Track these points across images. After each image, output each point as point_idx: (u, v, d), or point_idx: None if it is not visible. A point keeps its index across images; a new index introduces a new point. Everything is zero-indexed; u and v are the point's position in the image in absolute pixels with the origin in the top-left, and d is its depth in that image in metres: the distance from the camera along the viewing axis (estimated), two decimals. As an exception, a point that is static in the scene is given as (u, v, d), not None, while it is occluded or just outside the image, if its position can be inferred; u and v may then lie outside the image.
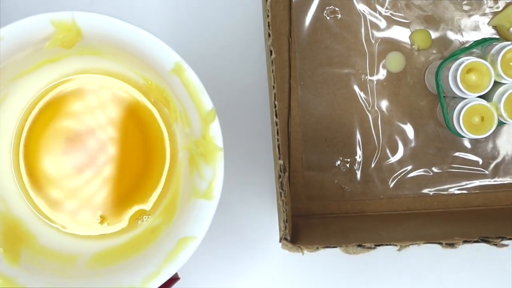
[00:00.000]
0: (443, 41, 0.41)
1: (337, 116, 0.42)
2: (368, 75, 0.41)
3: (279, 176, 0.34)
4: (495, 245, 0.34)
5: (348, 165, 0.42)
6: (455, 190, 0.42)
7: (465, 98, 0.37)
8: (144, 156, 0.37)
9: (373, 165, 0.42)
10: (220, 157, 0.32)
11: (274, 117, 0.34)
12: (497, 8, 0.41)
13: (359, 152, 0.42)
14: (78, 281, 0.34)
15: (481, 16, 0.41)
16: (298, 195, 0.42)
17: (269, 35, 0.34)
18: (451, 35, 0.41)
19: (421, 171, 0.42)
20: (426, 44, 0.41)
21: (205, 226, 0.32)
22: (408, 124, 0.42)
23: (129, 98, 0.37)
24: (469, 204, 0.42)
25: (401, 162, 0.42)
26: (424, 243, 0.34)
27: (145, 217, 0.37)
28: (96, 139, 0.37)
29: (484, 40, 0.39)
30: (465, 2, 0.41)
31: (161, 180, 0.37)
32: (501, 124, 0.38)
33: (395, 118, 0.42)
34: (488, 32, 0.41)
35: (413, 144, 0.42)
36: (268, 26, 0.33)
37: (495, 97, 0.37)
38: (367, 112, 0.42)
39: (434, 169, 0.42)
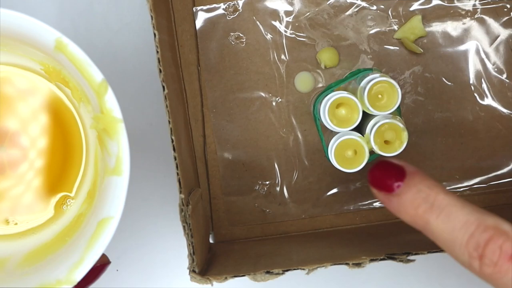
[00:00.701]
0: (351, 58, 0.41)
1: (253, 140, 0.42)
2: (279, 97, 0.42)
3: (181, 210, 0.34)
4: (401, 261, 0.35)
5: (266, 187, 0.42)
6: (376, 203, 0.42)
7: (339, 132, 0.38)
8: (61, 142, 0.37)
9: (291, 185, 0.42)
10: (121, 129, 0.31)
11: (173, 152, 0.34)
12: (400, 22, 0.41)
13: (277, 174, 0.42)
14: (4, 283, 0.33)
15: (386, 30, 0.41)
16: (221, 221, 0.42)
17: (160, 71, 0.34)
18: (357, 51, 0.41)
19: (340, 188, 0.42)
20: (334, 62, 0.41)
21: (120, 204, 0.31)
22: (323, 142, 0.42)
23: (31, 86, 0.36)
24: (390, 217, 0.42)
25: (320, 181, 0.42)
26: (331, 265, 0.34)
27: (69, 201, 0.37)
28: (5, 135, 0.36)
29: (358, 72, 0.40)
30: (369, 17, 0.41)
31: (82, 164, 0.37)
32: (376, 156, 0.38)
33: (310, 137, 0.42)
34: (394, 45, 0.41)
35: (330, 162, 0.42)
36: (159, 62, 0.34)
37: (367, 129, 0.37)
38: (282, 134, 0.42)
39: (353, 185, 0.42)
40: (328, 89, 0.39)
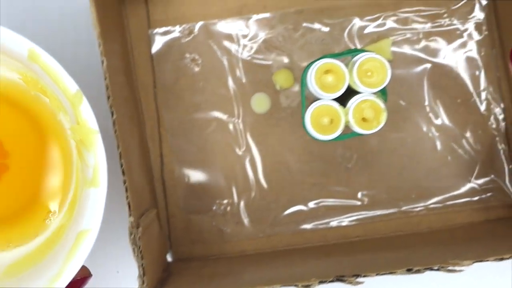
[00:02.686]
0: (307, 79, 0.42)
1: (210, 160, 0.42)
2: (236, 118, 0.42)
3: (131, 233, 0.35)
4: (350, 283, 0.35)
5: (223, 207, 0.42)
6: (333, 223, 0.43)
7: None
8: (40, 154, 0.37)
9: (249, 205, 0.42)
10: (97, 140, 0.31)
11: (122, 175, 0.34)
12: (354, 44, 0.42)
13: (234, 194, 0.42)
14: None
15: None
16: (180, 239, 0.43)
17: (108, 97, 0.34)
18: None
19: (298, 207, 0.43)
20: (289, 84, 0.42)
21: (98, 216, 0.31)
22: (281, 162, 0.42)
23: (9, 96, 0.36)
24: (348, 236, 0.43)
25: (277, 200, 0.42)
26: (280, 286, 0.35)
27: (51, 215, 0.37)
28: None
29: (356, 50, 0.40)
30: (323, 39, 0.42)
31: (58, 175, 0.37)
32: (354, 134, 0.37)
33: (267, 157, 0.42)
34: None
35: (287, 181, 0.42)
36: (107, 88, 0.34)
37: (349, 103, 0.36)
38: (239, 154, 0.42)
39: (310, 204, 0.42)
40: (322, 58, 0.38)
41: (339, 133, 0.37)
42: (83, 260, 0.31)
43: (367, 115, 0.36)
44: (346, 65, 0.36)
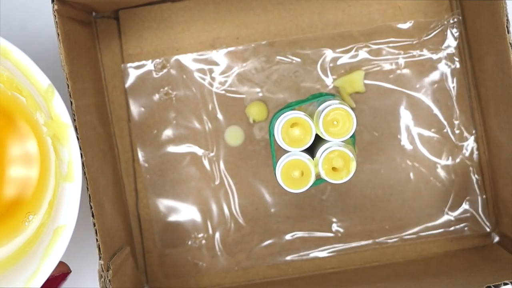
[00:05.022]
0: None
1: (184, 194, 0.42)
2: (210, 151, 0.42)
3: (101, 276, 0.35)
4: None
5: (199, 241, 0.42)
6: (309, 255, 0.43)
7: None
8: (19, 153, 0.37)
9: (224, 238, 0.42)
10: (70, 134, 0.32)
11: (92, 218, 0.34)
12: (326, 76, 0.42)
13: (209, 227, 0.42)
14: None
15: (313, 84, 0.42)
16: (156, 274, 0.43)
17: (78, 139, 0.34)
18: (286, 103, 0.42)
19: (273, 240, 0.42)
20: (262, 117, 0.42)
21: (73, 211, 0.31)
22: (254, 195, 0.42)
23: None
24: (324, 267, 0.43)
25: (252, 233, 0.42)
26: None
27: (30, 217, 0.36)
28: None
29: (320, 95, 0.40)
30: (296, 71, 0.42)
31: (32, 172, 0.37)
32: (323, 181, 0.37)
33: (241, 190, 0.42)
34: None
35: (262, 214, 0.42)
36: (76, 129, 0.34)
37: (318, 153, 0.36)
38: (213, 188, 0.42)
39: (286, 237, 0.42)
40: (288, 107, 0.38)
41: (310, 186, 0.37)
42: (60, 256, 0.31)
43: (337, 165, 0.36)
44: (312, 113, 0.37)
